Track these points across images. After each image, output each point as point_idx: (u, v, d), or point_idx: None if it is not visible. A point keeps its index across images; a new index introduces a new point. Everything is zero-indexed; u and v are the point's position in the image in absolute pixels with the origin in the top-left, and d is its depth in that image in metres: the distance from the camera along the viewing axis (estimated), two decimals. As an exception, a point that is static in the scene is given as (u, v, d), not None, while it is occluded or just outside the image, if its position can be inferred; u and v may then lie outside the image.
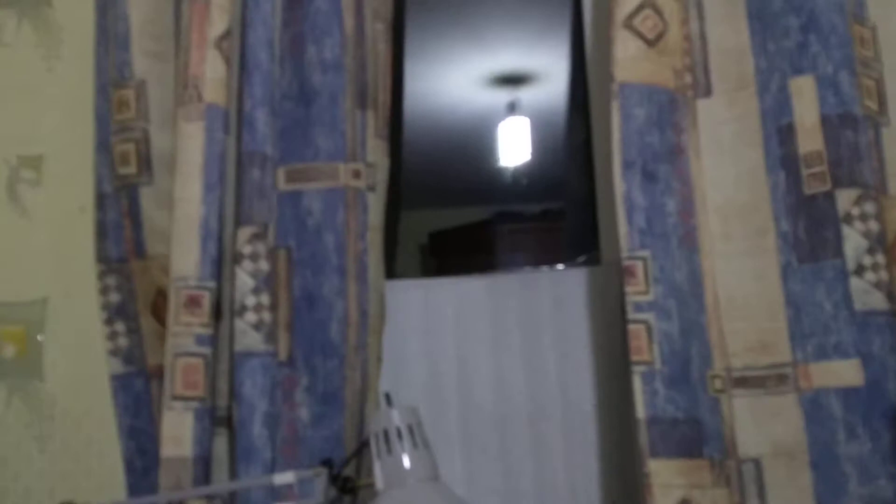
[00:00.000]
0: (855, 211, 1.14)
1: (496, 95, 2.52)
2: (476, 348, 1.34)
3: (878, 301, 1.12)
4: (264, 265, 1.15)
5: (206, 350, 1.12)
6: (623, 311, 1.17)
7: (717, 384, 1.16)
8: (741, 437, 1.15)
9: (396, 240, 1.51)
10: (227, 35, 1.17)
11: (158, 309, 1.22)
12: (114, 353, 1.22)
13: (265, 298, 1.14)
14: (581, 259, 1.51)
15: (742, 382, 1.16)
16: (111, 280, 1.23)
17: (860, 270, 1.13)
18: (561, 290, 1.35)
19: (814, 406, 1.13)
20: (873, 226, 1.14)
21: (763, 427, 1.15)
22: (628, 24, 1.21)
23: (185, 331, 1.11)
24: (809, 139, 1.17)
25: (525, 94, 2.51)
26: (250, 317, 1.14)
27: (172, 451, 1.10)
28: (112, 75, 1.24)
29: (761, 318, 1.17)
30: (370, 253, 1.24)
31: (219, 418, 1.17)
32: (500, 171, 2.61)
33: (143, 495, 1.17)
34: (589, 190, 1.47)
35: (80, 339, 1.28)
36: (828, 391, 1.12)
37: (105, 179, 1.24)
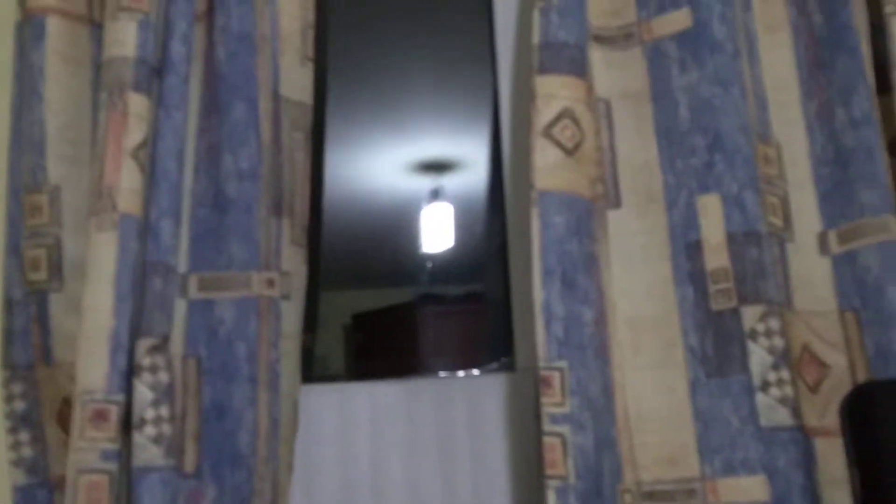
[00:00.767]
0: (760, 327, 1.17)
1: (420, 182, 2.54)
2: (391, 454, 1.34)
3: (784, 417, 1.14)
4: (164, 377, 1.13)
5: (112, 466, 1.09)
6: (539, 420, 1.17)
7: (628, 498, 1.17)
8: (651, 551, 1.16)
9: (317, 322, 1.50)
10: (143, 145, 1.16)
11: (64, 418, 1.19)
12: (16, 463, 1.19)
13: (165, 411, 1.12)
14: (497, 364, 1.52)
15: (651, 497, 1.17)
16: (17, 388, 1.20)
17: (765, 386, 1.15)
18: (477, 396, 1.35)
19: (721, 522, 1.14)
20: (778, 342, 1.17)
21: (672, 542, 1.16)
22: (548, 133, 1.24)
23: (90, 446, 1.09)
24: (716, 256, 1.20)
25: (449, 181, 2.53)
26: (149, 430, 1.11)
27: (75, 570, 1.07)
28: (26, 180, 1.22)
29: (670, 432, 1.18)
30: (283, 361, 1.23)
31: (123, 534, 1.14)
32: (423, 256, 2.62)
33: None
34: (505, 288, 1.48)
35: (-18, 448, 1.24)
36: (735, 507, 1.14)
37: (14, 284, 1.22)
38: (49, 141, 1.22)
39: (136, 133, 1.16)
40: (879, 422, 1.03)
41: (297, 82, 1.31)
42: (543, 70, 1.25)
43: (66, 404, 1.19)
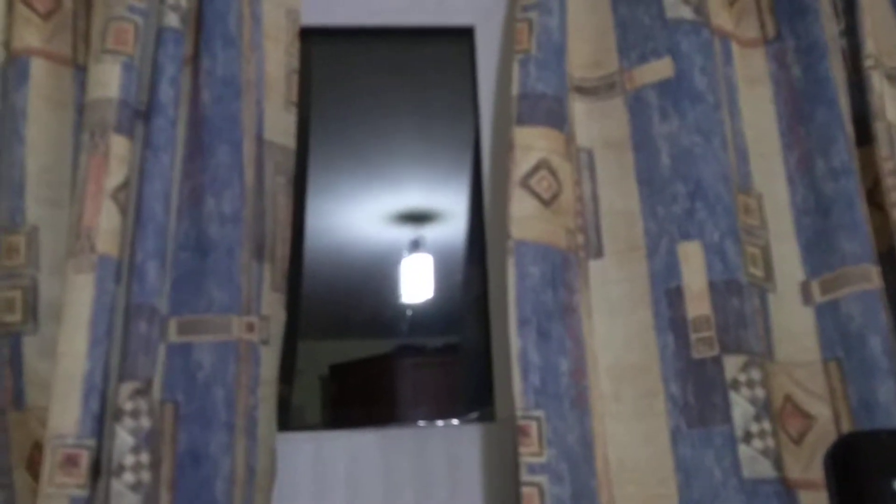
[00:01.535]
0: (742, 377, 1.17)
1: (400, 232, 2.54)
2: (368, 504, 1.32)
3: (766, 469, 1.14)
4: (146, 422, 1.11)
5: (82, 513, 1.07)
6: (518, 470, 1.16)
7: (609, 550, 1.15)
8: None
9: (294, 372, 1.49)
10: (124, 186, 1.16)
11: (34, 464, 1.16)
12: (-17, 510, 1.16)
13: (145, 457, 1.10)
14: (476, 414, 1.50)
15: (633, 549, 1.16)
16: (-14, 432, 1.18)
17: (748, 438, 1.15)
18: (455, 446, 1.34)
19: (703, 574, 1.13)
20: (759, 392, 1.16)
21: None
22: (525, 184, 1.24)
23: (59, 492, 1.06)
24: (697, 304, 1.20)
25: (429, 232, 2.53)
26: (128, 477, 1.09)
27: None
28: (3, 221, 1.21)
29: (651, 483, 1.17)
30: (261, 408, 1.21)
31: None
32: (402, 306, 2.61)
33: None
34: (485, 338, 1.47)
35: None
36: (718, 559, 1.12)
37: (-13, 326, 1.20)
38: (29, 182, 1.22)
39: (117, 175, 1.15)
40: (864, 474, 1.02)
41: (280, 126, 1.31)
42: (522, 121, 1.26)
43: (36, 449, 1.16)
